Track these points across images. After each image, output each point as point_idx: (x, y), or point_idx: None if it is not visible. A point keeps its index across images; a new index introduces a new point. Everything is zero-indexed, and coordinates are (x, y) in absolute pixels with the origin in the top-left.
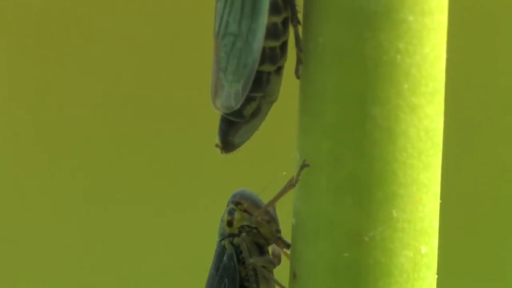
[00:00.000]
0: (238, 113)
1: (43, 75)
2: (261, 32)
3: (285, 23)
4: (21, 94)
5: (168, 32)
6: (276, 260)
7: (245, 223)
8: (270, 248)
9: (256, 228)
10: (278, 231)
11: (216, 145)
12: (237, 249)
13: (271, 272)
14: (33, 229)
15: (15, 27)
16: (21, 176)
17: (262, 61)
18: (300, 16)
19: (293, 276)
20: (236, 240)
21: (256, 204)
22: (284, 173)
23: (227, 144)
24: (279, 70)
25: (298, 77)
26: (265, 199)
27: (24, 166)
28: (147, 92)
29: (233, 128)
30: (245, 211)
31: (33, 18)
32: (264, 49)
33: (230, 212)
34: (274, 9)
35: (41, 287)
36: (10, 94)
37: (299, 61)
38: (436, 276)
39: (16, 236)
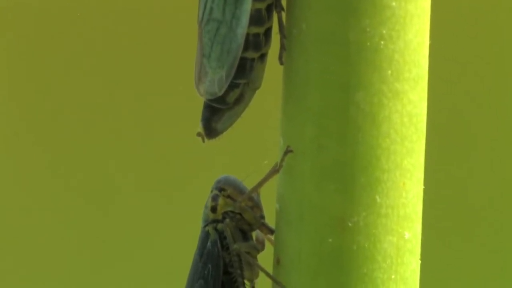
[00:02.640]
0: (221, 99)
1: (41, 75)
2: (245, 18)
3: (269, 9)
4: (19, 93)
5: (166, 32)
6: (260, 246)
7: (229, 209)
8: (254, 234)
9: (240, 214)
10: (262, 217)
11: (198, 134)
12: (221, 235)
13: (255, 257)
14: (31, 230)
15: (14, 26)
16: (20, 176)
17: (246, 48)
18: (283, 2)
19: (277, 261)
20: (219, 226)
21: (239, 190)
22: (266, 161)
23: (210, 130)
24: (262, 57)
25: (281, 63)
26: (249, 185)
27: (23, 166)
28: (148, 93)
29: (216, 115)
30: (228, 197)
31: (31, 17)
32: (247, 35)
33: (214, 198)
34: None
35: (40, 287)
36: (8, 93)
37: (282, 48)
38: (420, 261)
39: (14, 236)
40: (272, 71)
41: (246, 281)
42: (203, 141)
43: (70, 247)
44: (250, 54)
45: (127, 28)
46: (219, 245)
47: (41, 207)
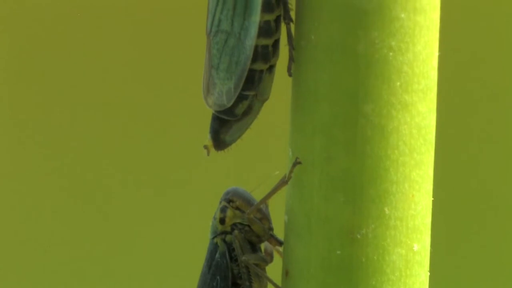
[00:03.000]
0: (230, 111)
1: (38, 75)
2: (254, 29)
3: (277, 20)
4: (15, 92)
5: (165, 32)
6: (269, 258)
7: (238, 220)
8: (262, 246)
9: (248, 225)
10: (271, 228)
11: (205, 147)
12: (230, 247)
13: (264, 269)
14: (29, 229)
15: (14, 26)
16: (19, 175)
17: (255, 59)
18: (292, 14)
19: (286, 273)
20: (228, 237)
21: (248, 201)
22: (277, 172)
23: (219, 142)
24: (271, 68)
25: (290, 75)
26: (257, 197)
27: (21, 165)
28: (142, 89)
29: (224, 127)
30: (237, 208)
31: (31, 17)
32: (256, 47)
33: (223, 210)
34: (267, 7)
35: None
36: (6, 93)
37: (291, 59)
38: (429, 273)
39: (12, 236)
40: (280, 82)
41: None
42: (208, 154)
43: (66, 246)
44: (259, 66)
45: (128, 30)
46: (227, 256)
47: (38, 205)
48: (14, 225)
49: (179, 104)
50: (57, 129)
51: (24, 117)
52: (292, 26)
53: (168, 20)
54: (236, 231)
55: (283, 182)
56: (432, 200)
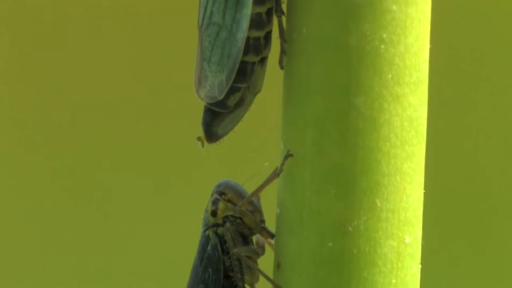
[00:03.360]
0: (222, 103)
1: (37, 76)
2: (245, 22)
3: (269, 13)
4: (14, 93)
5: (165, 33)
6: (261, 250)
7: (229, 213)
8: (254, 238)
9: (240, 218)
10: (262, 221)
11: (198, 138)
12: (221, 239)
13: (255, 262)
14: (29, 228)
15: (13, 26)
16: (20, 175)
17: (246, 52)
18: (284, 6)
19: (277, 266)
20: (220, 230)
21: (240, 194)
22: (267, 163)
23: (211, 134)
24: (263, 60)
25: (282, 67)
26: (249, 190)
27: (21, 165)
28: (141, 89)
29: (216, 119)
30: (229, 201)
31: (31, 17)
32: (248, 39)
33: (214, 202)
34: (258, 0)
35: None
36: (5, 94)
37: (283, 52)
38: (420, 265)
39: (12, 235)
40: (272, 75)
41: (246, 285)
42: (203, 145)
43: (66, 246)
44: (251, 58)
45: (128, 30)
46: (219, 249)
47: (38, 205)
48: (14, 225)
49: (179, 103)
50: (57, 129)
51: (24, 117)
52: (284, 19)
53: (168, 20)
54: (227, 224)
55: (275, 174)
56: (424, 192)
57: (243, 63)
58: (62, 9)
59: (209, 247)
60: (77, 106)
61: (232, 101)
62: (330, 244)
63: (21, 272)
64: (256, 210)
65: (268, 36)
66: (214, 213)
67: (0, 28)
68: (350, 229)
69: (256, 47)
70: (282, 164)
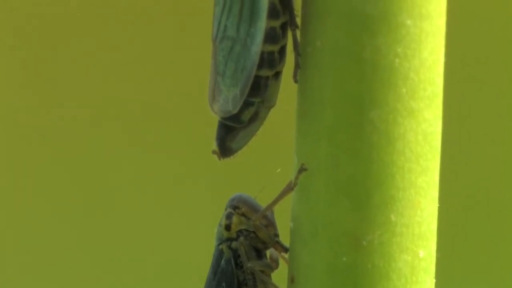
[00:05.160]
0: (236, 118)
1: (40, 74)
2: (259, 36)
3: (283, 27)
4: (17, 90)
5: (167, 35)
6: (274, 264)
7: (243, 227)
8: (268, 252)
9: (254, 232)
10: (276, 235)
11: (214, 152)
12: (235, 253)
13: (269, 276)
14: (29, 228)
15: (13, 26)
16: (20, 173)
17: (260, 66)
18: (298, 20)
19: (291, 280)
20: (234, 244)
21: (254, 208)
22: (279, 170)
23: (225, 149)
24: (277, 75)
25: (296, 81)
26: (262, 202)
27: (22, 163)
28: (146, 94)
29: (230, 133)
30: (243, 215)
31: (30, 17)
32: (262, 53)
33: (228, 216)
34: (273, 13)
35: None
36: (7, 92)
37: (297, 66)
38: (434, 280)
39: (11, 235)
40: (286, 89)
41: None
42: (219, 159)
43: (67, 246)
44: (265, 72)
45: (128, 30)
46: (233, 263)
47: (38, 205)
48: (14, 225)
49: (181, 105)
50: (57, 129)
51: (24, 117)
52: (298, 32)
53: (168, 21)
54: (241, 238)
55: (289, 188)
56: (438, 207)
57: (257, 78)
58: (62, 9)
59: (222, 261)
60: (77, 107)
61: (246, 115)
62: (344, 259)
63: (21, 272)
64: (270, 224)
65: (282, 51)
66: (228, 227)
67: (0, 28)
68: (364, 243)
69: (271, 61)
70: (296, 178)
